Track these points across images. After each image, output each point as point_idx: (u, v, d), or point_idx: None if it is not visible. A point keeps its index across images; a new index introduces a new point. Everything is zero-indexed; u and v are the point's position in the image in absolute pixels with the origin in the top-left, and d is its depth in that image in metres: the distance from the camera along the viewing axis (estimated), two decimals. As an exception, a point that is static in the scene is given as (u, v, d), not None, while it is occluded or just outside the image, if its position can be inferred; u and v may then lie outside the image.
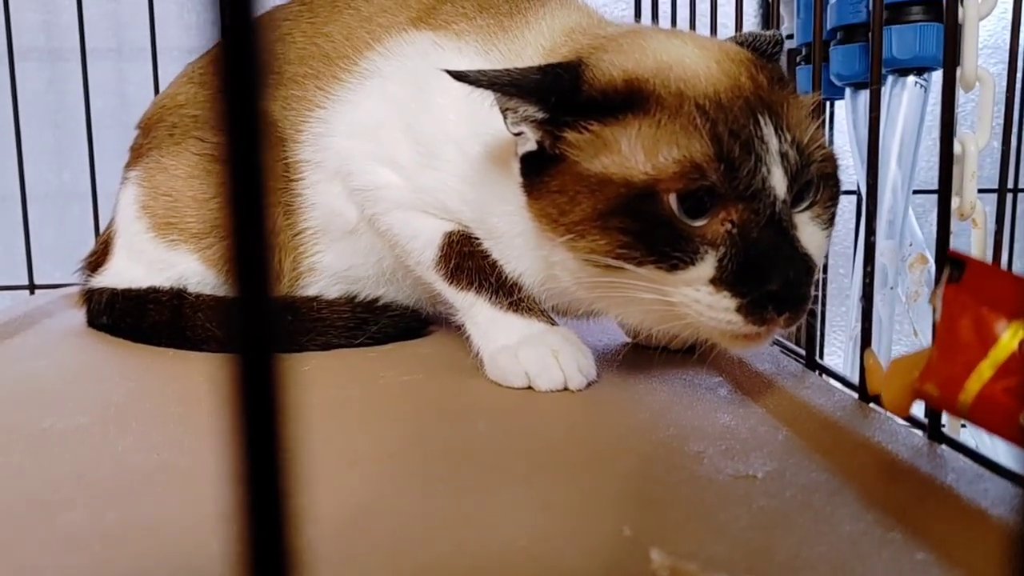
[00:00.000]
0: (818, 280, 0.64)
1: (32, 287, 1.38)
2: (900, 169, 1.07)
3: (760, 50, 0.74)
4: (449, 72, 0.68)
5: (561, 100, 0.67)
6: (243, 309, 0.16)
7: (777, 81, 0.69)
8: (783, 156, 0.63)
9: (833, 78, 1.11)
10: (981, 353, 0.41)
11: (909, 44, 1.01)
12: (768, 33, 0.76)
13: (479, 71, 0.68)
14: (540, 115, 0.68)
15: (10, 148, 1.36)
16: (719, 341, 0.66)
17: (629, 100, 0.65)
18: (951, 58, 0.58)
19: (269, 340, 0.16)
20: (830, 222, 0.68)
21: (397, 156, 0.86)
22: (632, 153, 0.64)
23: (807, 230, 0.65)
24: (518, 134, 0.70)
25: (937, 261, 0.59)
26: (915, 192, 1.12)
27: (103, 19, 1.50)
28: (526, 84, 0.67)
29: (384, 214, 0.88)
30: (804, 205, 0.66)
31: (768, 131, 0.63)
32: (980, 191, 1.02)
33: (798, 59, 1.20)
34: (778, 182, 0.63)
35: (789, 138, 0.64)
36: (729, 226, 0.62)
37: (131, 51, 1.52)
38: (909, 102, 1.05)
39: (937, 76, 1.08)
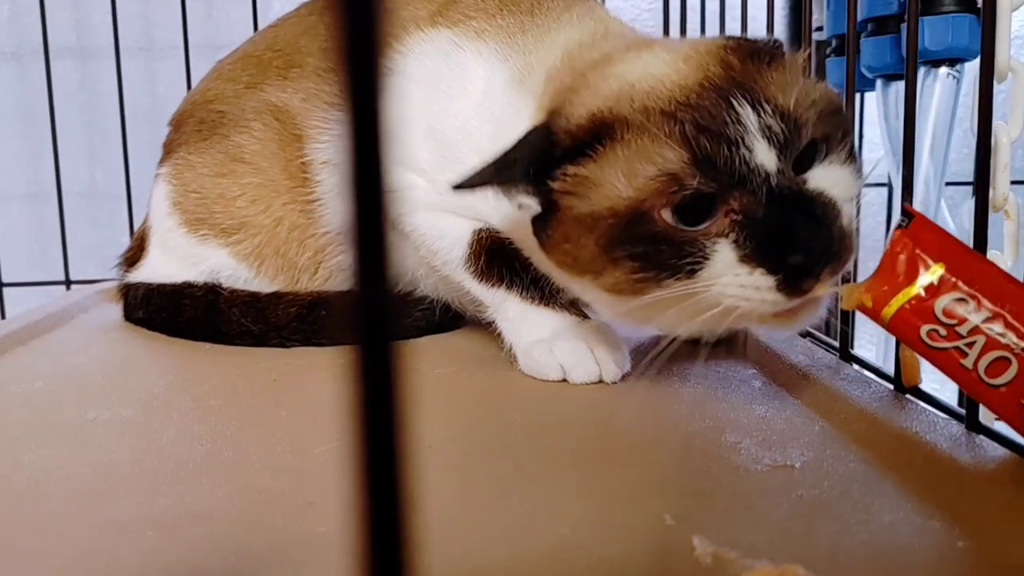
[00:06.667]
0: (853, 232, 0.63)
1: (68, 283, 1.40)
2: (932, 161, 1.06)
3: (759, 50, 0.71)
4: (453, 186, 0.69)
5: (538, 167, 0.67)
6: (363, 299, 0.16)
7: (752, 57, 0.67)
8: (766, 130, 0.62)
9: (864, 70, 1.11)
10: (906, 283, 0.54)
11: (941, 35, 1.00)
12: (763, 38, 0.74)
13: (474, 175, 0.68)
14: (528, 189, 0.69)
15: (46, 147, 1.38)
16: (763, 325, 0.66)
17: (597, 134, 0.65)
18: (988, 50, 0.58)
19: (388, 331, 0.17)
20: (849, 157, 0.66)
21: (420, 159, 0.86)
22: (613, 182, 0.64)
23: (828, 174, 0.64)
24: (519, 207, 0.71)
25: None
26: (947, 184, 1.11)
27: (134, 18, 1.52)
28: (509, 175, 0.68)
29: (409, 215, 0.88)
30: (817, 161, 0.65)
31: (744, 111, 0.62)
32: (1013, 183, 1.01)
33: (828, 51, 1.20)
34: (765, 158, 0.61)
35: (770, 110, 0.62)
36: (734, 215, 0.62)
37: (162, 49, 1.54)
38: (941, 93, 1.05)
39: (969, 67, 1.07)
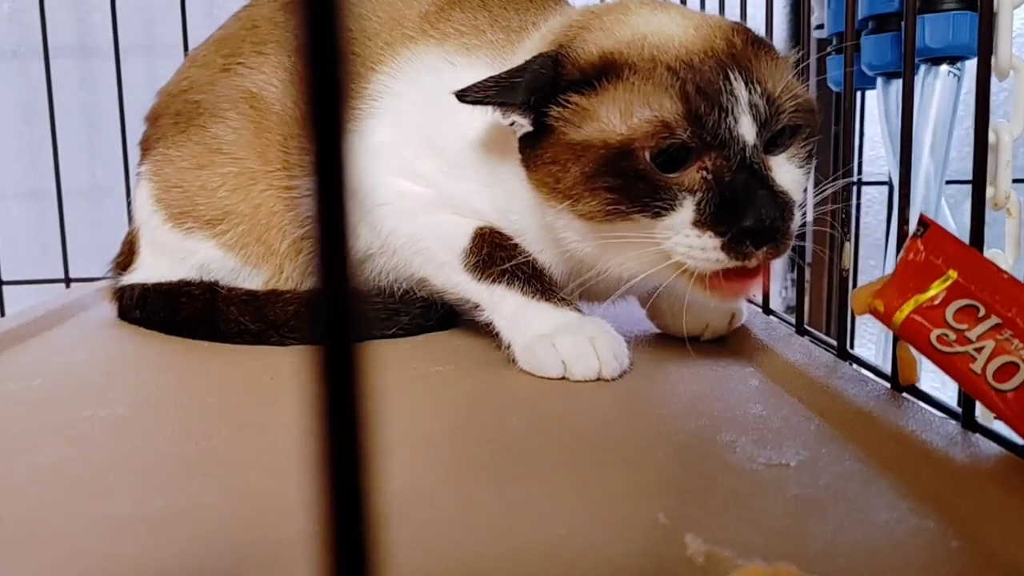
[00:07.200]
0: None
1: (68, 281, 1.40)
2: (933, 159, 1.05)
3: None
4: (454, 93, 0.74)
5: (542, 94, 0.73)
6: (325, 298, 0.16)
7: (752, 43, 0.74)
8: (752, 107, 0.69)
9: (864, 68, 1.10)
10: (918, 290, 0.55)
11: (942, 33, 1.00)
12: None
13: (475, 87, 0.74)
14: (525, 112, 0.74)
15: (46, 145, 1.38)
16: (706, 293, 0.72)
17: (605, 72, 0.72)
18: (985, 48, 0.58)
19: (350, 330, 0.17)
20: (807, 160, 0.75)
21: (421, 168, 0.88)
22: (610, 117, 0.71)
23: (784, 169, 0.72)
24: (511, 123, 0.76)
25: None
26: (948, 182, 1.10)
27: (134, 16, 1.52)
28: (510, 97, 0.73)
29: (406, 223, 0.89)
30: (780, 149, 0.73)
31: (738, 85, 0.69)
32: (1014, 181, 1.00)
33: (829, 49, 1.19)
34: (747, 131, 0.69)
35: (759, 90, 0.70)
36: (704, 173, 0.69)
37: (162, 47, 1.54)
38: (942, 92, 1.04)
39: (970, 65, 1.06)
